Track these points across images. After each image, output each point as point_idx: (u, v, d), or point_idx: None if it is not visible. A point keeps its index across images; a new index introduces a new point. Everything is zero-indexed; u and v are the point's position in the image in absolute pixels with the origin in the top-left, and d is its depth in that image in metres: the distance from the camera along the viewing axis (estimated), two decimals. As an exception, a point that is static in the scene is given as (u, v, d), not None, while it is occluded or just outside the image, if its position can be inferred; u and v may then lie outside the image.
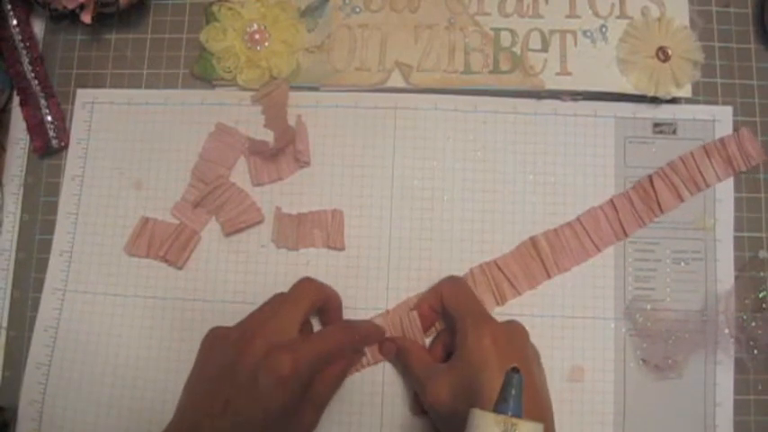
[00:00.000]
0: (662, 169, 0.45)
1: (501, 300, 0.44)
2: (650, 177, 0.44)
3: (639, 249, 0.44)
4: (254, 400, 0.35)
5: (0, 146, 0.49)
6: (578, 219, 0.44)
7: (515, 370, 0.29)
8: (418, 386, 0.40)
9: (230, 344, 0.38)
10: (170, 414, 0.43)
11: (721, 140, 0.45)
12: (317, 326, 0.43)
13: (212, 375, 0.37)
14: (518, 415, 0.28)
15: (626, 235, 0.44)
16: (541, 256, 0.44)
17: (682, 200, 0.44)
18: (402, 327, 0.43)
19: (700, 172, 0.44)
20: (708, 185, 0.44)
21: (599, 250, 0.44)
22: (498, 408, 0.28)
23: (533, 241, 0.44)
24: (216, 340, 0.39)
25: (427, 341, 0.43)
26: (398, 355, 0.42)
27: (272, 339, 0.37)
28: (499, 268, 0.44)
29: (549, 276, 0.44)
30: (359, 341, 0.42)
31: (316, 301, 0.40)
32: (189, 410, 0.37)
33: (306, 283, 0.41)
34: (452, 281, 0.43)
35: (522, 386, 0.29)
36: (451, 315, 0.40)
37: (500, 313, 0.43)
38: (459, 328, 0.38)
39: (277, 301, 0.40)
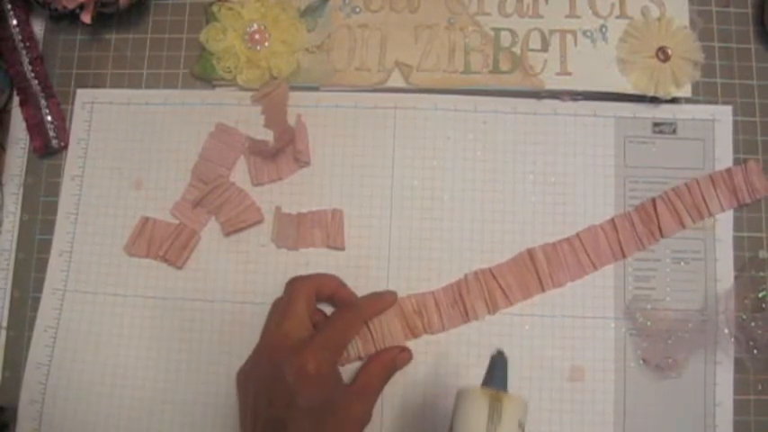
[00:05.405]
0: (666, 193, 0.44)
1: (492, 308, 0.43)
2: (653, 200, 0.44)
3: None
4: (291, 402, 0.36)
5: (0, 146, 0.49)
6: (578, 235, 0.44)
7: (500, 353, 0.32)
8: None
9: (254, 367, 0.39)
10: (170, 413, 0.43)
11: (728, 171, 0.44)
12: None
13: (250, 404, 0.38)
14: (503, 390, 0.31)
15: (624, 256, 0.44)
16: (537, 269, 0.44)
17: (683, 226, 0.44)
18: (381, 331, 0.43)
19: (704, 200, 0.44)
20: (711, 214, 0.44)
21: (596, 268, 0.44)
22: (485, 384, 0.32)
23: (530, 253, 0.44)
24: (240, 378, 0.40)
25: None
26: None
27: (289, 341, 0.38)
28: (494, 276, 0.44)
29: (543, 290, 0.43)
30: (370, 313, 0.42)
31: (311, 292, 0.41)
32: None
33: (294, 282, 0.41)
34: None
35: (506, 367, 0.32)
36: None
37: (501, 312, 0.43)
38: None
39: (276, 311, 0.41)
